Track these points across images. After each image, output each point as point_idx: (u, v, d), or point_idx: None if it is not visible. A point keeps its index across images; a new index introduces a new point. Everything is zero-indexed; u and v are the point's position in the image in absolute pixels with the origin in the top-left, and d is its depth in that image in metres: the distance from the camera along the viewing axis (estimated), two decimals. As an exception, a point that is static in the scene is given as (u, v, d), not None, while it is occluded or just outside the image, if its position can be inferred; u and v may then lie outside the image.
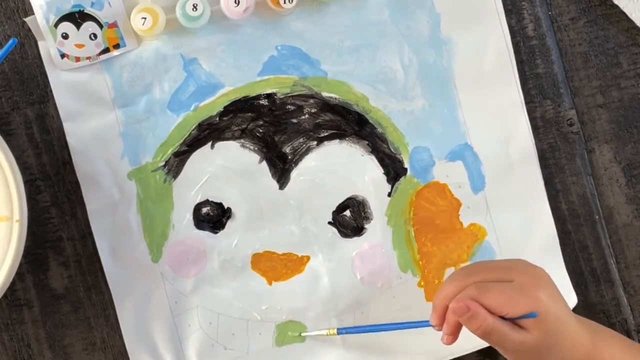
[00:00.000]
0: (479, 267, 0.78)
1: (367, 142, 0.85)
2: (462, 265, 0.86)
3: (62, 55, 0.80)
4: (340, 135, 0.84)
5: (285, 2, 0.80)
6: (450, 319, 0.75)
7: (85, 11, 0.80)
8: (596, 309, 0.87)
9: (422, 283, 0.86)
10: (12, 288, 0.80)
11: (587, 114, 0.87)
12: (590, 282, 0.87)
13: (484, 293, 0.73)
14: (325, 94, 0.84)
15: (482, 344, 0.85)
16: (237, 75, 0.83)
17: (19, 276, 0.82)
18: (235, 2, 0.79)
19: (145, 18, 0.79)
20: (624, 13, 0.86)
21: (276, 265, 0.84)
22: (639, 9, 0.85)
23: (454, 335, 0.76)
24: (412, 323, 0.79)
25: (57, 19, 0.79)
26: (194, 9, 0.79)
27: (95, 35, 0.80)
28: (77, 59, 0.81)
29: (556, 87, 0.86)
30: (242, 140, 0.83)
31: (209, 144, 0.83)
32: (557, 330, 0.74)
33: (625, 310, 0.88)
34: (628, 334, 0.87)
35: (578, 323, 0.77)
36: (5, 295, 0.79)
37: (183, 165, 0.83)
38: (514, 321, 0.73)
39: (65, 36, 0.80)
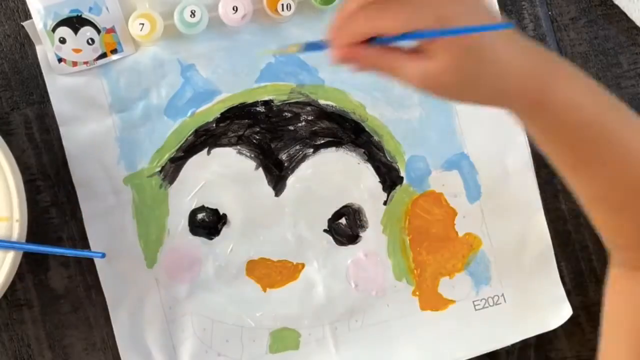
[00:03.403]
0: None
1: (363, 151, 0.85)
2: (457, 274, 0.86)
3: (60, 60, 0.80)
4: (336, 143, 0.84)
5: (283, 10, 0.80)
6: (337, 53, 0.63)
7: (83, 16, 0.80)
8: (596, 309, 0.87)
9: (417, 292, 0.86)
10: (12, 288, 0.80)
11: (587, 114, 0.87)
12: (590, 282, 0.88)
13: (380, 15, 0.60)
14: (322, 102, 0.84)
15: (480, 349, 0.85)
16: (234, 81, 0.83)
17: (19, 276, 0.82)
18: (233, 9, 0.79)
19: (143, 24, 0.79)
20: (624, 13, 0.86)
21: (271, 272, 0.84)
22: (639, 9, 0.85)
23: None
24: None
25: (54, 23, 0.79)
26: (192, 16, 0.79)
27: (92, 40, 0.80)
28: (74, 64, 0.81)
29: (556, 87, 0.86)
30: (238, 147, 0.83)
31: (205, 150, 0.83)
32: (476, 54, 0.60)
33: (625, 310, 0.88)
34: (627, 335, 0.88)
35: (517, 48, 0.62)
36: (5, 295, 0.79)
37: (179, 171, 0.83)
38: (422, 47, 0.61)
39: (62, 41, 0.80)
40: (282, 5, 0.80)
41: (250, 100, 0.84)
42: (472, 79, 0.61)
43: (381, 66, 0.61)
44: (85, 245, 0.82)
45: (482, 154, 0.86)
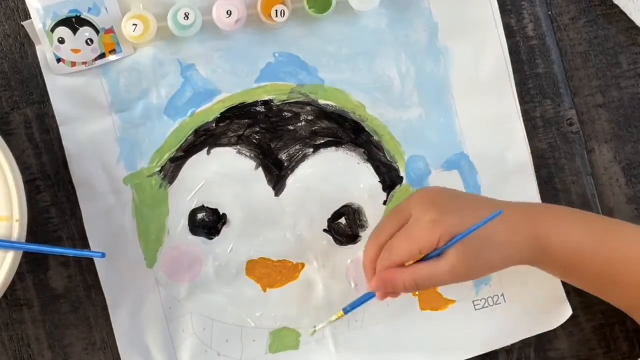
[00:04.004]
0: (383, 222, 0.79)
1: (363, 150, 0.84)
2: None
3: (59, 60, 0.80)
4: (336, 143, 0.84)
5: (277, 16, 0.79)
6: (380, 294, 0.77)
7: (82, 16, 0.80)
8: (595, 309, 0.87)
9: (417, 292, 0.85)
10: (12, 288, 0.81)
11: (587, 114, 0.87)
12: (590, 282, 0.87)
13: (392, 253, 0.75)
14: (322, 102, 0.84)
15: (480, 349, 0.85)
16: (234, 81, 0.83)
17: (19, 276, 0.82)
18: (227, 13, 0.79)
19: (136, 25, 0.78)
20: (624, 13, 0.85)
21: (271, 272, 0.85)
22: (639, 9, 0.84)
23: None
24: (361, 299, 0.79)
25: (53, 23, 0.79)
26: (186, 18, 0.78)
27: (91, 41, 0.80)
28: (73, 64, 0.81)
29: (556, 87, 0.86)
30: (238, 147, 0.83)
31: (205, 150, 0.83)
32: (477, 239, 0.73)
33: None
34: (627, 334, 0.87)
35: (502, 220, 0.73)
36: (5, 295, 0.79)
37: (179, 171, 0.83)
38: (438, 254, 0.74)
39: (61, 41, 0.80)
40: (277, 11, 0.79)
41: (250, 100, 0.83)
42: (479, 260, 0.74)
43: (416, 284, 0.74)
44: (85, 245, 0.83)
45: (482, 154, 0.85)
